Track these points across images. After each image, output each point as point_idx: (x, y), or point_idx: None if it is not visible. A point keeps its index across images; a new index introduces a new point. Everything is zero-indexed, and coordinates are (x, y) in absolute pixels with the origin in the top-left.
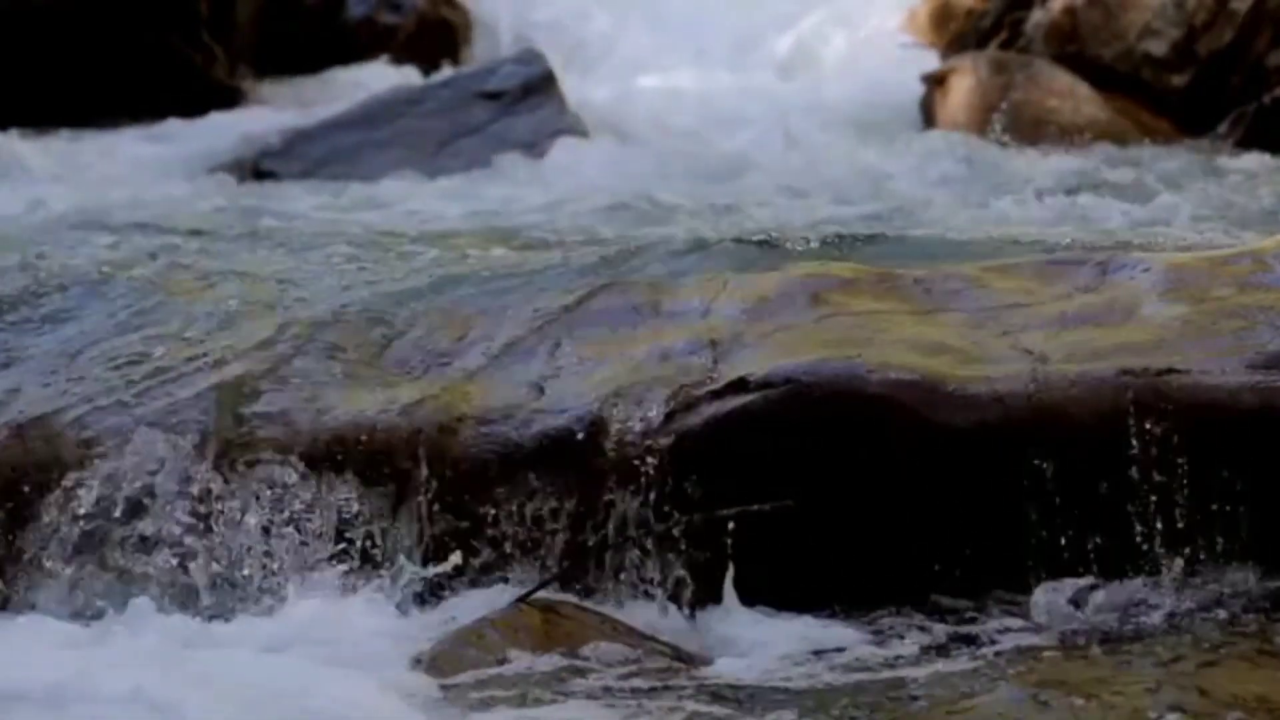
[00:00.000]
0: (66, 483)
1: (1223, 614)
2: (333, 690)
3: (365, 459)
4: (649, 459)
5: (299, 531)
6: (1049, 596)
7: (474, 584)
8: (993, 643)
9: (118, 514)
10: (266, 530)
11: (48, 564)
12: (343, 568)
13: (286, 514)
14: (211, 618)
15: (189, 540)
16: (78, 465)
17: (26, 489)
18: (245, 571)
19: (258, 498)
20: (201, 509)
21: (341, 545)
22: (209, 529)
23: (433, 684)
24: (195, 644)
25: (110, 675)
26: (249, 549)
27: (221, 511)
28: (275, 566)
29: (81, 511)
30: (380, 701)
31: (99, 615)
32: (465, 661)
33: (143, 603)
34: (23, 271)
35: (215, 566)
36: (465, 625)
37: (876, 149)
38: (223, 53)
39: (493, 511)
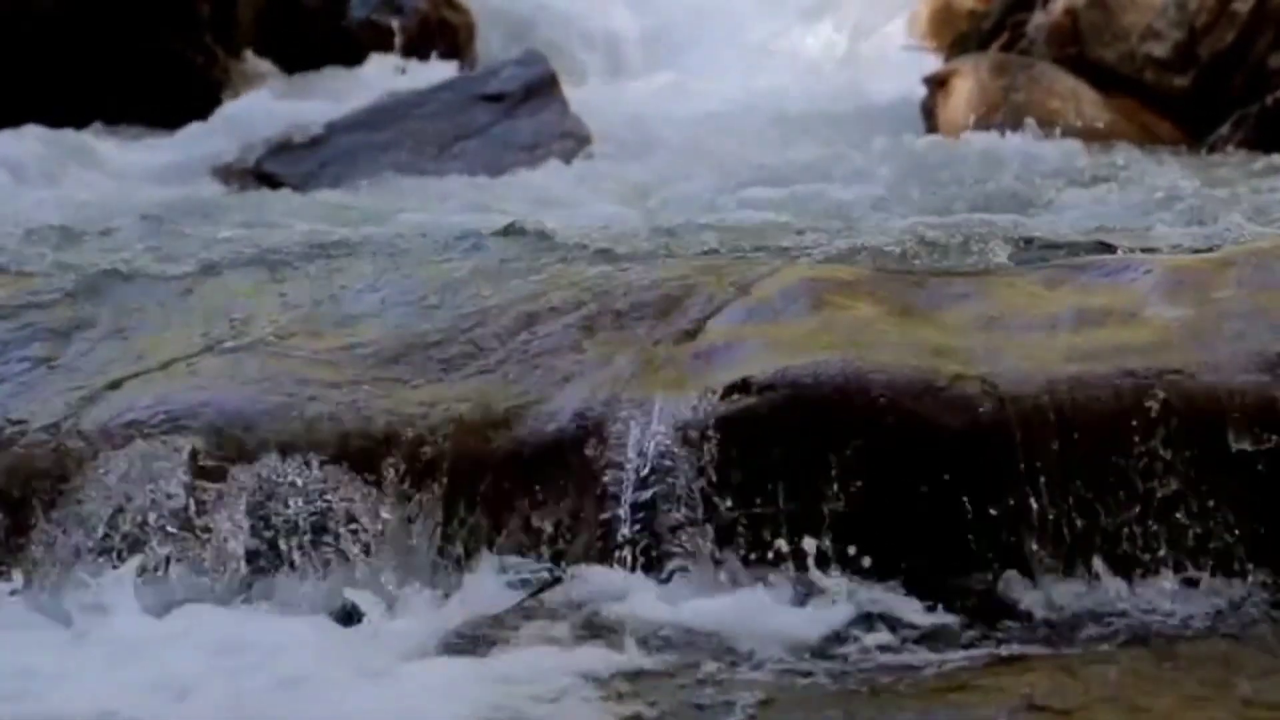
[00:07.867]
0: (70, 485)
1: (1226, 617)
2: (345, 684)
3: (375, 458)
4: (652, 460)
5: (319, 526)
6: (1050, 596)
7: (485, 580)
8: (992, 641)
9: (135, 511)
10: (287, 525)
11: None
12: (355, 565)
13: (308, 509)
14: (235, 612)
15: (210, 534)
16: (80, 468)
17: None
18: (268, 566)
19: (280, 493)
20: (229, 502)
21: (355, 542)
22: (237, 523)
23: (443, 679)
24: (215, 638)
25: (141, 667)
26: (269, 545)
27: (245, 506)
28: (294, 562)
29: (93, 513)
30: (392, 696)
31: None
32: (476, 657)
33: (175, 598)
34: (19, 276)
35: (241, 561)
36: (477, 621)
37: (878, 151)
38: (224, 55)
39: (501, 511)
